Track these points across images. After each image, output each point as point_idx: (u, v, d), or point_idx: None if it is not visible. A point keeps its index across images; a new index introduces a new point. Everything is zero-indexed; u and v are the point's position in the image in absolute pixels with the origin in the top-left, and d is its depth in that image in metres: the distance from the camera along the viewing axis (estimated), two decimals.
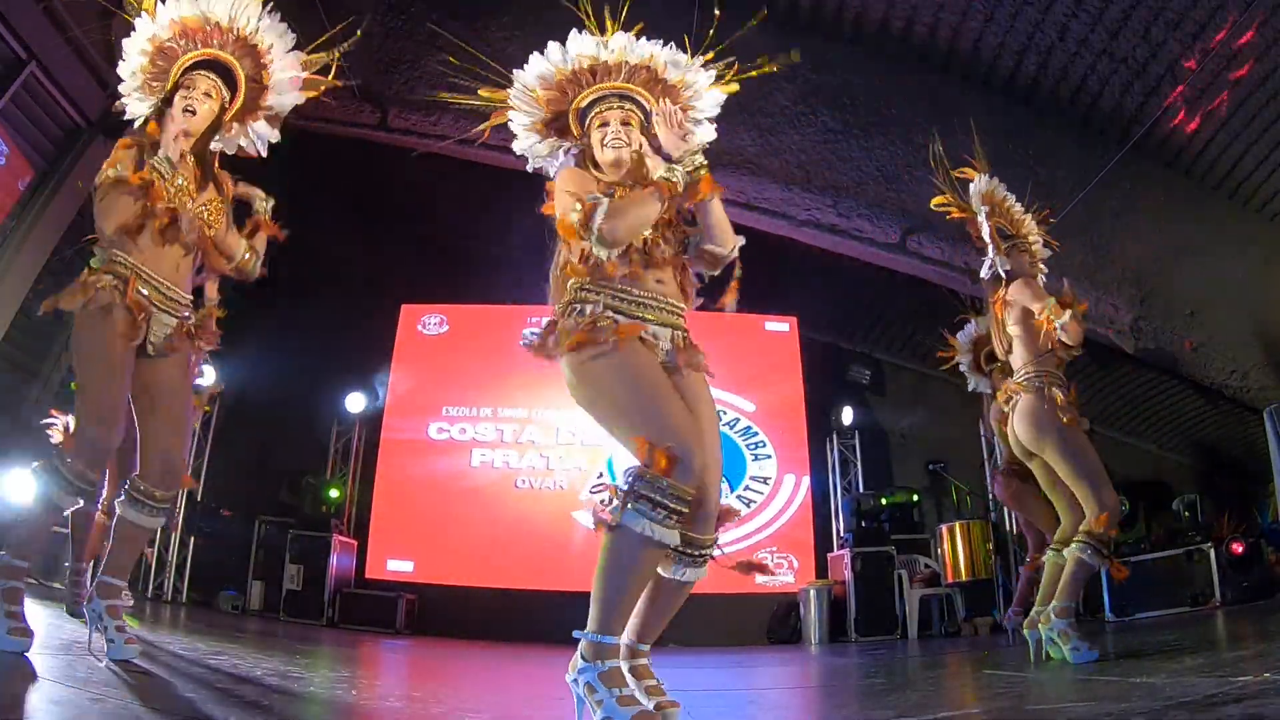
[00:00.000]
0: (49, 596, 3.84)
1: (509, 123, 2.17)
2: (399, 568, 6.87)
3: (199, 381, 2.60)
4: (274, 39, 2.44)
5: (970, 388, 4.84)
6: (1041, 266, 3.42)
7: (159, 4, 2.33)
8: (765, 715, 2.40)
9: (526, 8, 5.12)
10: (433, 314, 7.71)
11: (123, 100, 2.45)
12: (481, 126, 2.19)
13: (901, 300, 7.53)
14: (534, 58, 2.09)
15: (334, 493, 6.94)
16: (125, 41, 2.37)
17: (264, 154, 2.58)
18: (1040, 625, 2.90)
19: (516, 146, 2.20)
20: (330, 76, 2.56)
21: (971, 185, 3.37)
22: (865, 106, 5.72)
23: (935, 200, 3.50)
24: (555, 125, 2.16)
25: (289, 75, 2.48)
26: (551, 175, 2.13)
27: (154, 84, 2.41)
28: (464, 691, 2.87)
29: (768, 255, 7.02)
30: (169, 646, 2.78)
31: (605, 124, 2.04)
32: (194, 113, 2.33)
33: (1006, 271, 3.26)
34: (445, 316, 7.69)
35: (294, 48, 2.48)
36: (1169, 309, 5.79)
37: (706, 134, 2.17)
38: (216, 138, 2.45)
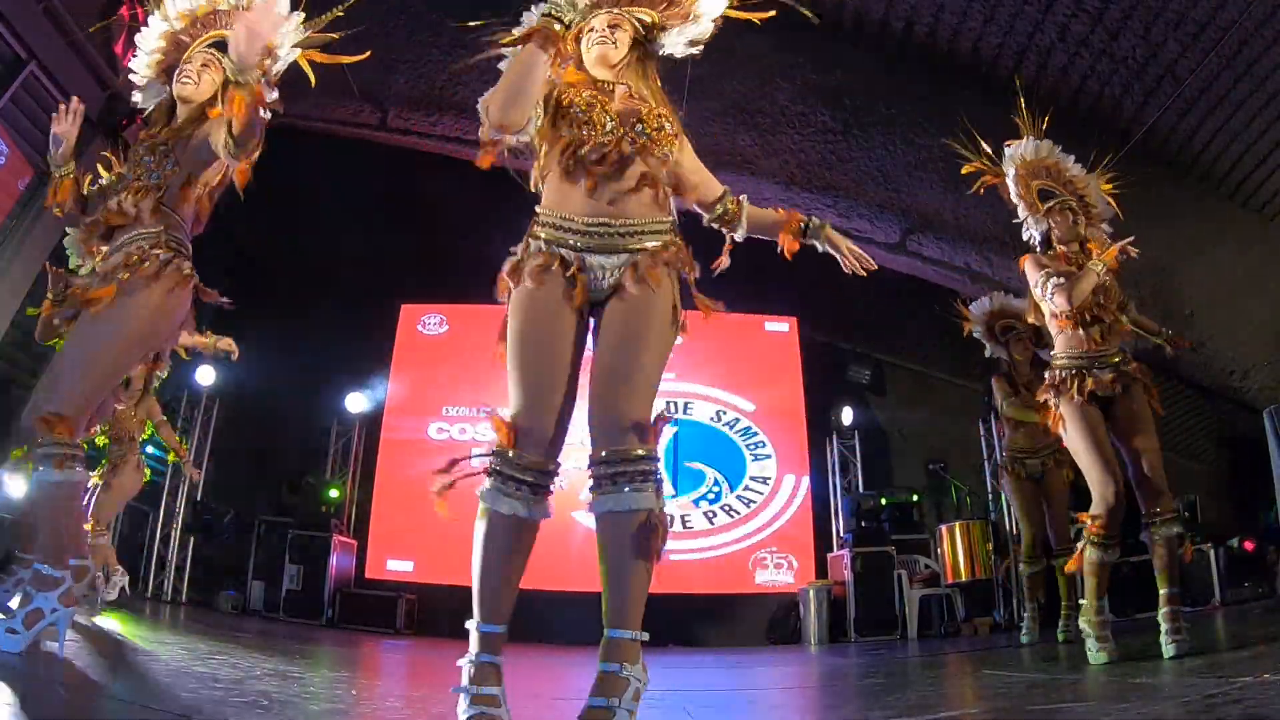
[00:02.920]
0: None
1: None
2: (399, 568, 6.87)
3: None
4: (266, 6, 2.37)
5: (987, 354, 4.85)
6: (1104, 226, 3.33)
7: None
8: (765, 715, 2.40)
9: (527, 7, 5.12)
10: (433, 314, 7.71)
11: (135, 93, 2.47)
12: (505, 39, 1.97)
13: (901, 300, 7.54)
14: None
15: (334, 493, 6.94)
16: (138, 37, 2.40)
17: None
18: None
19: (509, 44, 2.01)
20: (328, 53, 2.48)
21: (1008, 150, 3.30)
22: (865, 106, 5.71)
23: (965, 168, 3.42)
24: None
25: (288, 37, 2.38)
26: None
27: (164, 74, 2.43)
28: None
29: (768, 255, 7.03)
30: (169, 646, 2.78)
31: (592, 29, 1.92)
32: (192, 81, 2.34)
33: (1043, 234, 3.21)
34: (445, 316, 7.69)
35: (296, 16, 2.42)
36: (1169, 309, 5.79)
37: (707, 35, 2.03)
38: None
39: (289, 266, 7.59)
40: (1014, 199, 3.29)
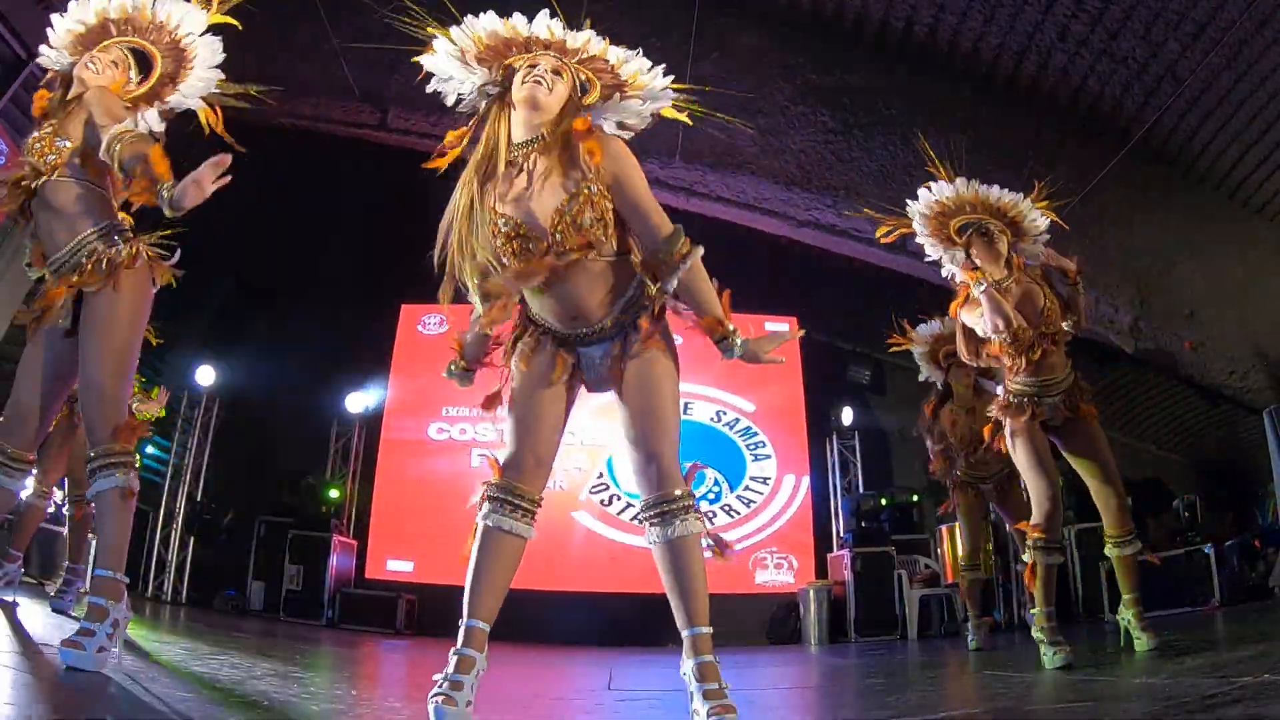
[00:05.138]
0: (45, 595, 3.83)
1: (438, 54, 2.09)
2: (399, 568, 6.87)
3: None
4: (205, 53, 2.45)
5: (921, 378, 4.89)
6: (1042, 235, 3.29)
7: None
8: (765, 715, 2.40)
9: (531, 8, 5.12)
10: (433, 314, 7.71)
11: (44, 49, 2.46)
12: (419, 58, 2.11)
13: (901, 300, 7.53)
14: (492, 16, 2.01)
15: (334, 493, 6.94)
16: (73, 3, 2.37)
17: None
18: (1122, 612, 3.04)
19: (427, 61, 2.13)
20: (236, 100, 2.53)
21: (911, 205, 3.28)
22: (865, 106, 5.72)
23: (879, 231, 3.45)
24: (482, 64, 2.05)
25: (200, 84, 2.48)
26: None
27: (78, 47, 2.42)
28: None
29: (768, 255, 7.04)
30: (169, 646, 2.78)
31: (533, 65, 1.91)
32: (95, 70, 2.35)
33: (960, 264, 3.24)
34: (445, 316, 7.67)
35: (220, 66, 2.49)
36: (1169, 309, 5.79)
37: (641, 125, 2.09)
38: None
39: (289, 266, 7.58)
40: (926, 247, 3.33)
